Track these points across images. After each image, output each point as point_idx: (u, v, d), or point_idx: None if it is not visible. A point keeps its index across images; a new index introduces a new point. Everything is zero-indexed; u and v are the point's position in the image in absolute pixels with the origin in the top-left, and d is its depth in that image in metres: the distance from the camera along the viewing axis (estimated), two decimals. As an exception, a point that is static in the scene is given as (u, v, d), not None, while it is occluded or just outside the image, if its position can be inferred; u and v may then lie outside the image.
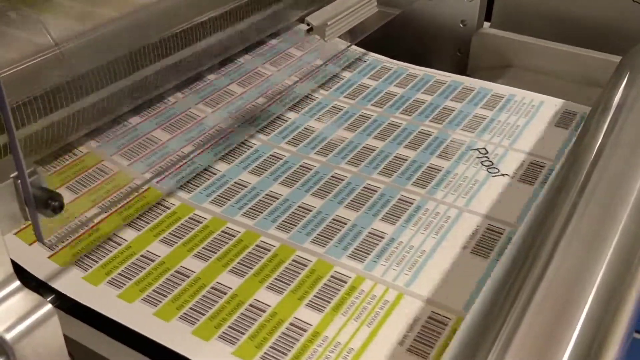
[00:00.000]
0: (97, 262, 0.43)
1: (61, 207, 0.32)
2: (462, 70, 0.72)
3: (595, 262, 0.33)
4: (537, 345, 0.28)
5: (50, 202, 0.32)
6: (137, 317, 0.39)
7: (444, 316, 0.40)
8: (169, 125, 0.54)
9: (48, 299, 0.41)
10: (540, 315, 0.30)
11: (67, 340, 0.37)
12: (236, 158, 0.53)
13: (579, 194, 0.38)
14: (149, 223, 0.46)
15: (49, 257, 0.42)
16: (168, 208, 0.48)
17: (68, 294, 0.40)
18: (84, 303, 0.40)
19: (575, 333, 0.29)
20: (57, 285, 0.41)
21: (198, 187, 0.50)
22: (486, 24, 0.73)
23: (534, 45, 0.69)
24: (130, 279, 0.42)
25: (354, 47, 0.67)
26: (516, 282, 0.32)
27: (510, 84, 0.65)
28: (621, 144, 0.43)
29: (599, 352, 0.29)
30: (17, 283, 0.29)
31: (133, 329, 0.38)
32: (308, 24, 0.48)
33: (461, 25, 0.72)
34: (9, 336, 0.27)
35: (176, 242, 0.45)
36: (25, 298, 0.29)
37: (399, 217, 0.47)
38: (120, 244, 0.44)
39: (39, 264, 0.42)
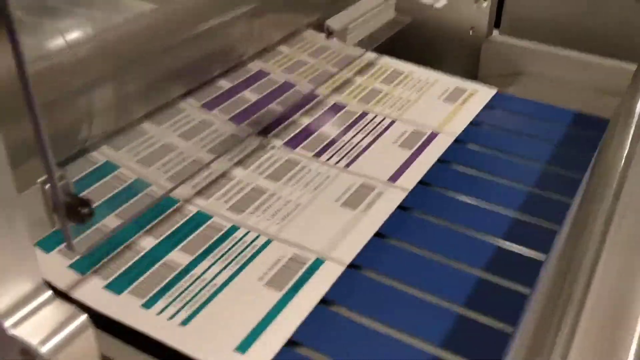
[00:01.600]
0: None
1: (91, 214, 0.31)
2: (472, 77, 0.72)
3: None
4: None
5: (80, 210, 0.31)
6: None
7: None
8: None
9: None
10: (595, 320, 0.29)
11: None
12: None
13: (614, 203, 0.37)
14: None
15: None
16: None
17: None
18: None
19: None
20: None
21: None
22: (496, 31, 0.72)
23: (544, 53, 0.68)
24: None
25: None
26: (563, 292, 0.31)
27: (521, 92, 0.64)
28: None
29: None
30: (49, 293, 0.28)
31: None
32: (328, 29, 0.47)
33: (471, 33, 0.71)
34: (44, 349, 0.26)
35: None
36: (58, 309, 0.28)
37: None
38: None
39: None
